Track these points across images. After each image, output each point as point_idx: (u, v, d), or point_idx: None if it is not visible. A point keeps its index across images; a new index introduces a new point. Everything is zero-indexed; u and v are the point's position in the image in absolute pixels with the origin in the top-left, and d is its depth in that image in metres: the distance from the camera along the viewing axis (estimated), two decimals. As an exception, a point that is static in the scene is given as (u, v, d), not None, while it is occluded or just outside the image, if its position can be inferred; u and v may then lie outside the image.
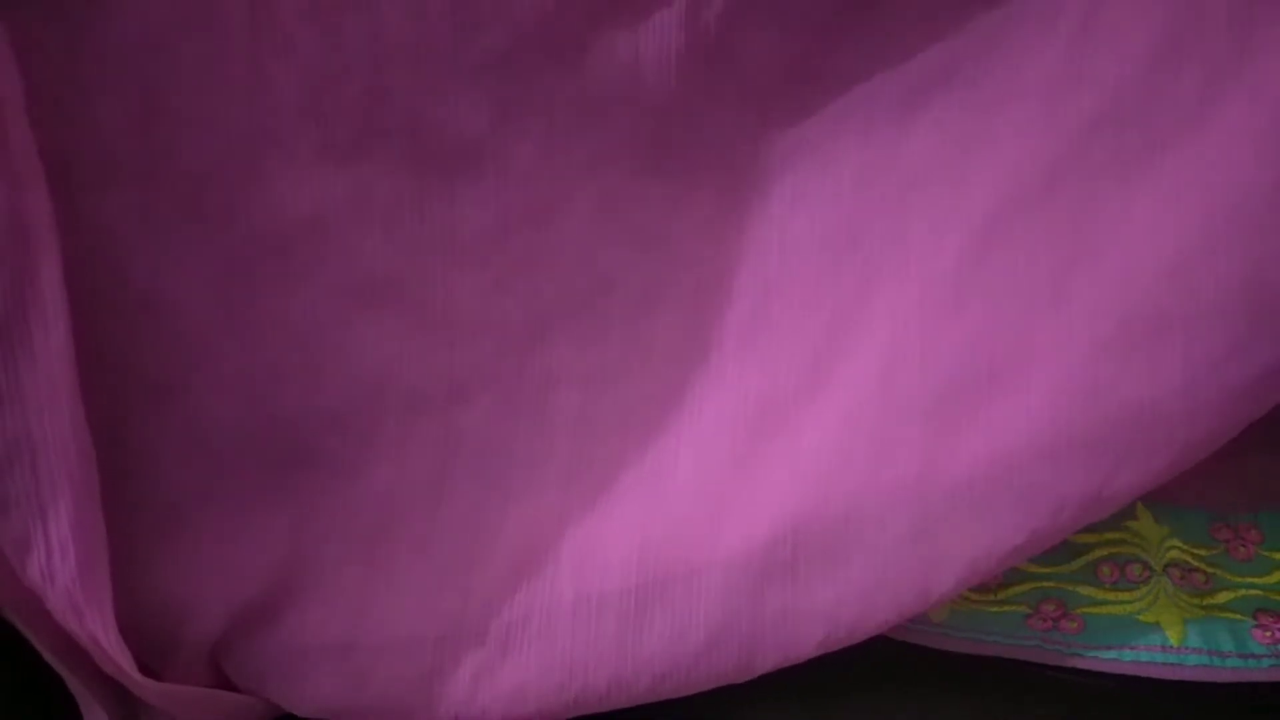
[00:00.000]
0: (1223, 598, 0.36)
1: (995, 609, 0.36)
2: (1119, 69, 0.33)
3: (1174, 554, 0.36)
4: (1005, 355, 0.33)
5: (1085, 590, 0.36)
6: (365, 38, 0.34)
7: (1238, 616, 0.35)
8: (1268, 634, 0.35)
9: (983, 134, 0.35)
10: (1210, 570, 0.36)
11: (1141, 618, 0.35)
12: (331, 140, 0.35)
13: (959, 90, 0.35)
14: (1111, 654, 0.35)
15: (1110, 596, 0.36)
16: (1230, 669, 0.34)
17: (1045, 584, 0.36)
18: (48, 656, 0.34)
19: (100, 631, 0.31)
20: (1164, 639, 0.35)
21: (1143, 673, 0.35)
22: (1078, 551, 0.36)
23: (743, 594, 0.33)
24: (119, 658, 0.32)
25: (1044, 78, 0.34)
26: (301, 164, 0.35)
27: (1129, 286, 0.32)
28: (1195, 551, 0.37)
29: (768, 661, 0.34)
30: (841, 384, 0.35)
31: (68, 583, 0.30)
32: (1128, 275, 0.33)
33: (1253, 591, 0.36)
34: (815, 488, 0.34)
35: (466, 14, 0.34)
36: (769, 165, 0.36)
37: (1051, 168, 0.34)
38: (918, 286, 0.35)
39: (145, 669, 0.33)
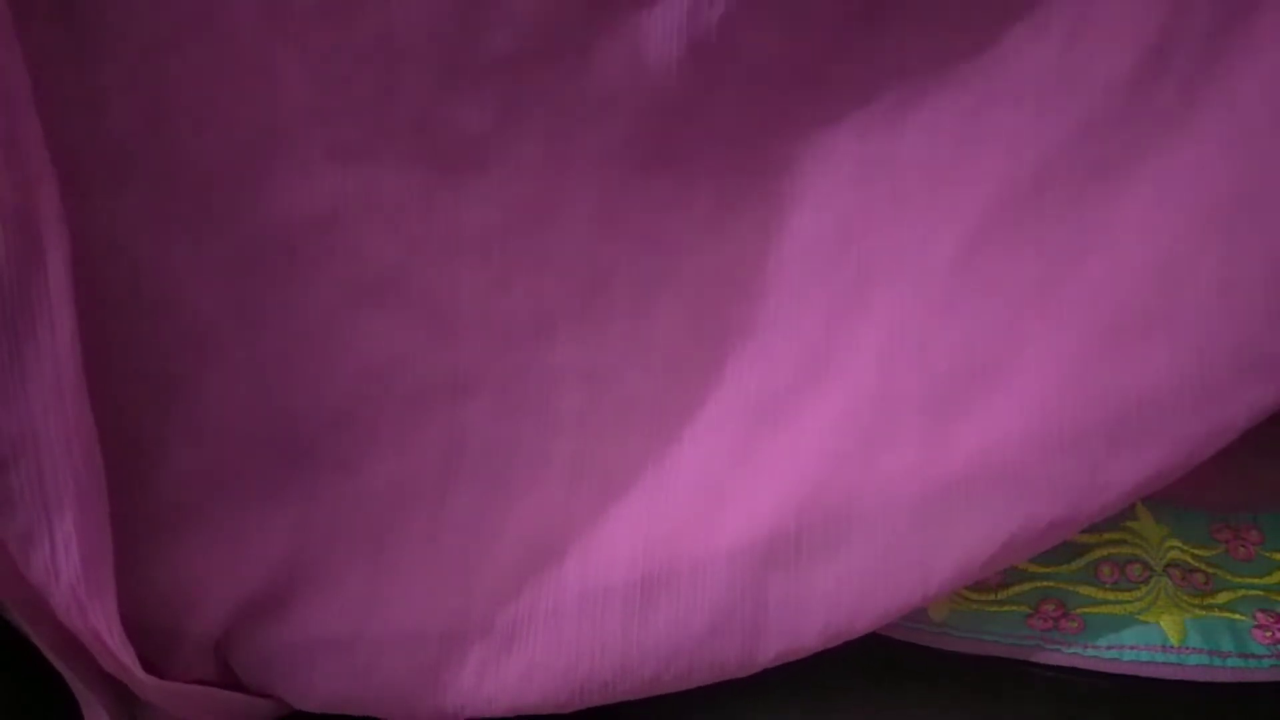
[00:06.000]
0: (1223, 598, 0.36)
1: (995, 608, 0.36)
2: (1108, 73, 0.34)
3: (1174, 554, 0.37)
4: (997, 350, 0.34)
5: (1085, 590, 0.36)
6: (376, 38, 0.34)
7: (1238, 616, 0.35)
8: (1268, 634, 0.35)
9: (975, 135, 0.35)
10: (1210, 570, 0.36)
11: (1141, 617, 0.35)
12: (340, 139, 0.35)
13: (952, 93, 0.35)
14: (1112, 653, 0.35)
15: (1110, 596, 0.36)
16: (1230, 669, 0.34)
17: (1045, 584, 0.36)
18: (49, 655, 0.34)
19: (104, 627, 0.31)
20: (1164, 639, 0.35)
21: (1143, 672, 0.35)
22: (1078, 551, 0.36)
23: (745, 580, 0.33)
24: (122, 654, 0.32)
25: (1034, 80, 0.35)
26: (310, 162, 0.35)
27: (1116, 285, 0.33)
28: (1195, 552, 0.37)
29: (770, 650, 0.34)
30: (840, 378, 0.35)
31: (72, 578, 0.30)
32: (1115, 274, 0.33)
33: (1253, 592, 0.36)
34: (816, 477, 0.34)
35: (474, 15, 0.34)
36: (769, 165, 0.37)
37: (1041, 169, 0.35)
38: (913, 284, 0.35)
39: (148, 667, 0.33)
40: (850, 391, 0.35)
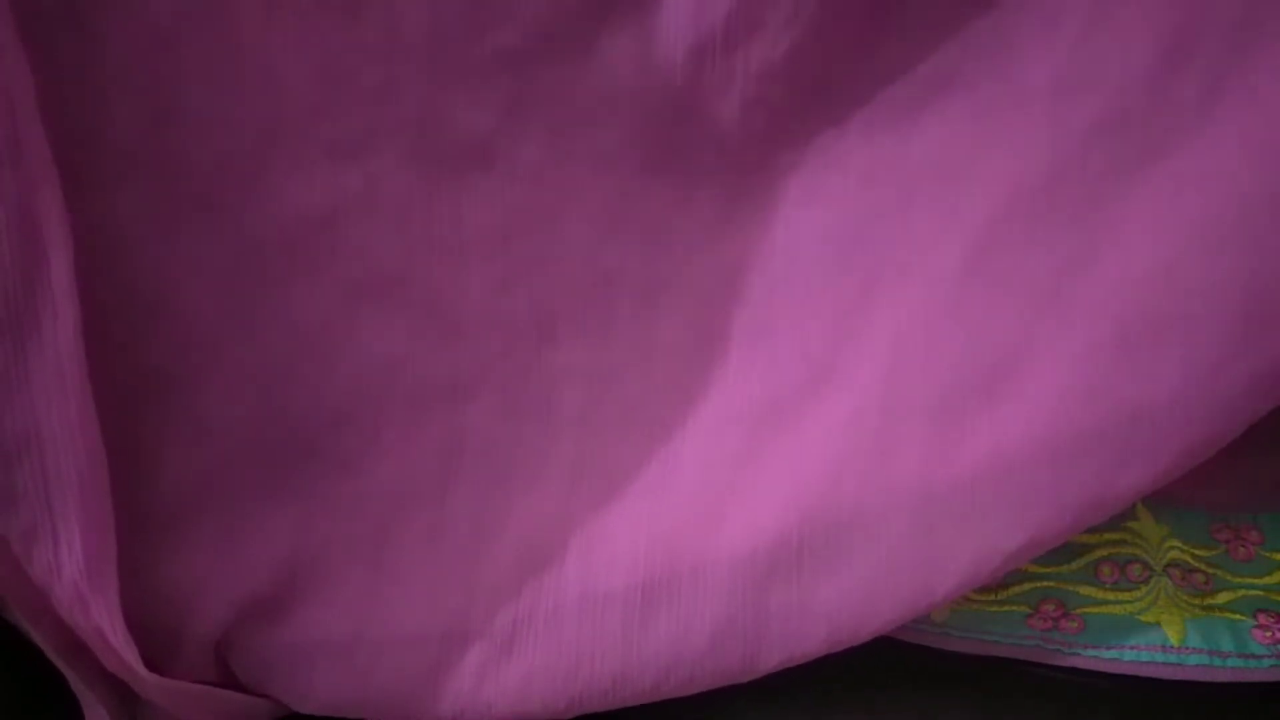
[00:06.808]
0: (1223, 598, 0.36)
1: (995, 608, 0.36)
2: (1122, 72, 0.33)
3: (1174, 554, 0.37)
4: (1006, 357, 0.33)
5: (1085, 590, 0.36)
6: (379, 35, 0.35)
7: (1238, 616, 0.35)
8: (1268, 634, 0.35)
9: (985, 137, 0.35)
10: (1210, 570, 0.37)
11: (1142, 617, 0.35)
12: (342, 137, 0.35)
13: (961, 93, 0.35)
14: (1112, 653, 0.35)
15: (1110, 596, 0.36)
16: (1230, 669, 0.35)
17: (1045, 584, 0.36)
18: (51, 654, 0.34)
19: (106, 624, 0.31)
20: (1164, 639, 0.35)
21: (1143, 672, 0.35)
22: (1078, 551, 0.37)
23: (747, 589, 0.33)
24: (124, 652, 0.32)
25: (1047, 81, 0.34)
26: (312, 160, 0.35)
27: (1128, 289, 0.33)
28: (1195, 552, 0.37)
29: (771, 659, 0.34)
30: (845, 383, 0.35)
31: (74, 575, 0.30)
32: (1127, 278, 0.33)
33: (1253, 591, 0.36)
34: (820, 485, 0.34)
35: (479, 13, 0.34)
36: (775, 166, 0.37)
37: (1053, 172, 0.34)
38: (921, 288, 0.35)
39: (150, 666, 0.33)
40: (855, 396, 0.35)
